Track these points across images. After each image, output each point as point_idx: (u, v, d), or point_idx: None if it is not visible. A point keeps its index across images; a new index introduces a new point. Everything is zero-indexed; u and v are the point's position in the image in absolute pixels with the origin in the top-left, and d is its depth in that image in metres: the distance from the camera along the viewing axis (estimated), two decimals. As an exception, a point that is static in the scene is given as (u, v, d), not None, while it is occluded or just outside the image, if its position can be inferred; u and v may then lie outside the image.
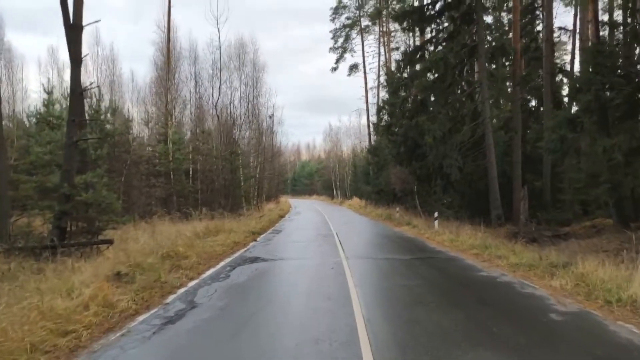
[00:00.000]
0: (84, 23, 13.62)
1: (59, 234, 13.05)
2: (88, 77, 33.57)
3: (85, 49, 34.38)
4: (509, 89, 26.14)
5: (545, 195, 21.87)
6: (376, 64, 48.49)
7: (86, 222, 14.10)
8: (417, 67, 24.01)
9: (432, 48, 23.07)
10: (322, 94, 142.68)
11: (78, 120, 13.69)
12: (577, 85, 15.40)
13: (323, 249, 15.05)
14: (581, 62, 16.92)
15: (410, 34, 43.86)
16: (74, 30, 13.48)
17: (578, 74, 21.86)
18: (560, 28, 23.61)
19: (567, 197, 19.96)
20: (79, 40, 13.55)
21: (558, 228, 18.37)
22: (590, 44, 16.54)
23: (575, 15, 21.88)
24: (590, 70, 14.91)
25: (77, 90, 13.42)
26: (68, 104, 15.10)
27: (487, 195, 21.75)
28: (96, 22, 13.42)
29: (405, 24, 21.98)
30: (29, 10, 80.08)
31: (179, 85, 38.40)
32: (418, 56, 22.94)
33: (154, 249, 12.23)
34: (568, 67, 26.21)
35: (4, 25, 37.83)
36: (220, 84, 34.41)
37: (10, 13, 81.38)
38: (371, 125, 47.91)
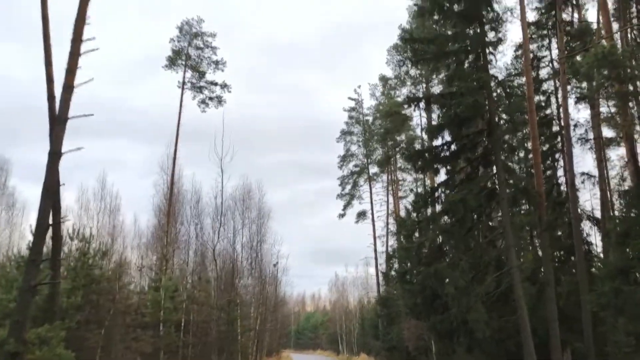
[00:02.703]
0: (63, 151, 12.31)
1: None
2: (89, 221, 32.14)
3: (90, 195, 33.85)
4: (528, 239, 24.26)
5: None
6: (384, 212, 47.31)
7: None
8: (429, 210, 22.39)
9: (447, 191, 21.56)
10: (328, 244, 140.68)
11: (40, 261, 11.58)
12: (625, 229, 13.38)
13: None
14: (626, 205, 15.09)
15: (419, 183, 43.27)
16: (50, 157, 12.06)
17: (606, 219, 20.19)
18: (583, 173, 22.19)
19: (620, 363, 16.78)
20: (54, 168, 12.00)
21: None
22: (633, 184, 14.90)
23: (600, 160, 20.56)
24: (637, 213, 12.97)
25: (43, 225, 11.52)
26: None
27: (518, 357, 18.72)
28: (78, 149, 12.03)
29: (418, 164, 20.65)
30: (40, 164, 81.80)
31: (180, 231, 36.86)
32: (433, 198, 21.34)
33: None
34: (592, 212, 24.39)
35: (10, 171, 37.94)
36: (220, 226, 32.70)
37: (22, 164, 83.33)
38: (380, 274, 45.29)
